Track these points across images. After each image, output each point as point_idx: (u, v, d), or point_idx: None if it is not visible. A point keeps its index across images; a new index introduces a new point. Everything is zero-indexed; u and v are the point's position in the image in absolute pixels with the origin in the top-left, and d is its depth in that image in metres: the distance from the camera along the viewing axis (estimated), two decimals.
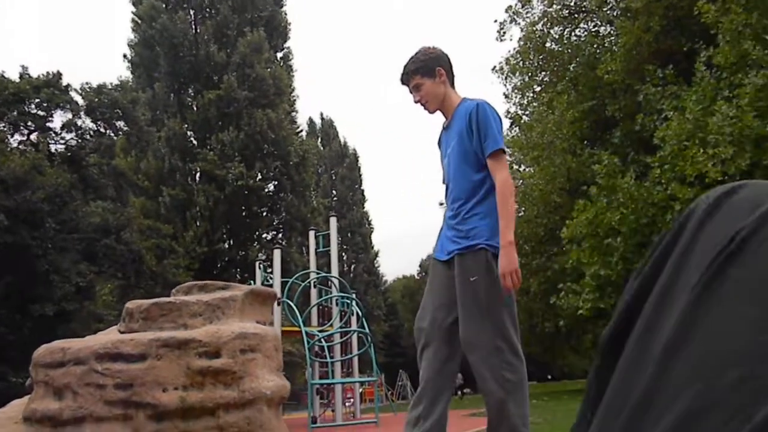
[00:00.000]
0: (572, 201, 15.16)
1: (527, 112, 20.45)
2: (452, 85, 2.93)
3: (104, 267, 19.49)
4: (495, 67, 21.00)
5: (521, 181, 17.93)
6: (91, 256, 18.60)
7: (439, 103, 2.89)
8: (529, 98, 20.86)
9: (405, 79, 2.92)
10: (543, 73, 20.27)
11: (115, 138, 22.39)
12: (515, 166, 19.60)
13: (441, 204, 19.42)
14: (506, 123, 24.37)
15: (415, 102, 2.92)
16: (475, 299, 2.61)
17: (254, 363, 2.08)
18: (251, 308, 2.36)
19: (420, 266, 46.60)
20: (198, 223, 25.13)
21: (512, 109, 21.44)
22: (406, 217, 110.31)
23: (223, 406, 1.96)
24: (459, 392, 27.36)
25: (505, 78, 20.91)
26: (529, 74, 20.34)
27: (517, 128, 20.82)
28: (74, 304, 17.30)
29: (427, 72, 2.86)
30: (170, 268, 21.83)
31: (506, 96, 21.42)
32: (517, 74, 20.54)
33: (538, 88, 20.56)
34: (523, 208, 17.84)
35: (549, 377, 45.83)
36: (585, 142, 17.47)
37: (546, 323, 17.42)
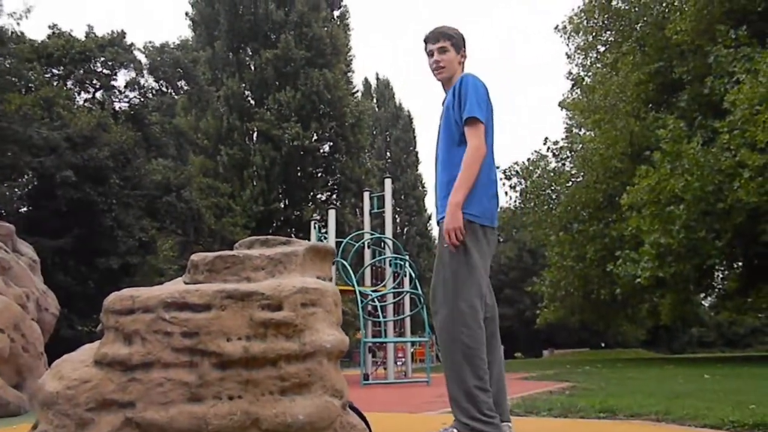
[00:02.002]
0: (634, 167, 14.74)
1: (590, 74, 19.82)
2: (463, 68, 3.08)
3: (165, 223, 20.08)
4: (558, 26, 20.38)
5: (581, 145, 17.49)
6: (153, 212, 19.17)
7: (450, 76, 3.02)
8: (593, 59, 20.20)
9: (435, 37, 3.03)
10: (608, 32, 19.53)
11: (176, 97, 22.82)
12: (575, 130, 19.13)
13: (497, 167, 19.17)
14: (567, 84, 23.75)
15: (432, 62, 3.04)
16: (446, 264, 2.77)
17: (315, 317, 2.10)
18: (312, 264, 2.38)
19: None
20: (255, 183, 25.52)
21: (574, 71, 20.85)
22: None
23: (285, 357, 1.99)
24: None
25: (568, 38, 20.29)
26: (593, 34, 19.65)
27: (578, 90, 20.26)
28: (137, 258, 17.91)
29: (456, 44, 3.02)
30: (228, 226, 22.33)
31: (568, 56, 20.80)
32: (581, 34, 19.88)
33: (602, 49, 19.86)
34: (582, 174, 17.48)
35: (602, 345, 45.33)
36: (650, 105, 16.85)
37: (601, 290, 17.13)
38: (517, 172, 19.20)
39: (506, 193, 19.46)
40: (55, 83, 19.82)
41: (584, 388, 6.90)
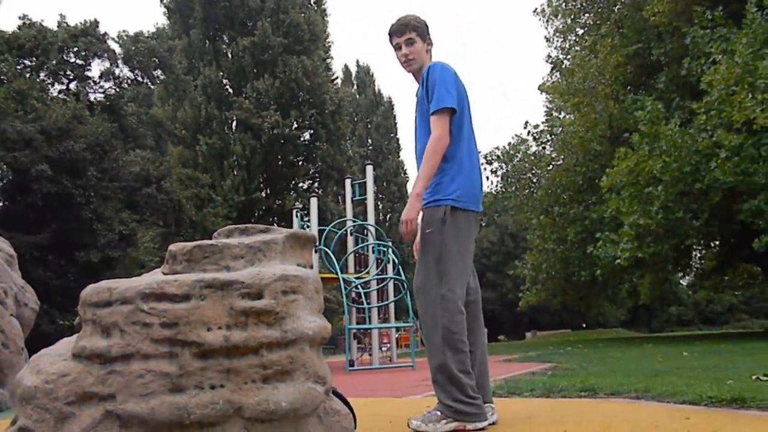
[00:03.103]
0: (613, 149, 14.85)
1: (568, 57, 19.88)
2: (431, 56, 3.09)
3: (145, 215, 19.92)
4: (536, 9, 20.40)
5: (561, 128, 17.57)
6: (133, 204, 19.00)
7: (418, 65, 3.02)
8: (571, 42, 20.26)
9: (401, 30, 3.02)
10: (586, 15, 19.59)
11: (152, 87, 22.54)
12: (555, 113, 19.21)
13: (478, 152, 19.20)
14: (546, 68, 23.79)
15: (401, 55, 3.04)
16: (428, 250, 2.80)
17: (296, 304, 2.10)
18: (292, 251, 2.37)
19: None
20: (235, 172, 25.37)
21: (553, 54, 20.90)
22: None
23: (266, 345, 1.98)
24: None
25: (547, 21, 20.32)
26: (572, 16, 19.69)
27: (557, 73, 20.31)
28: (117, 251, 17.77)
29: (422, 33, 3.02)
30: (209, 216, 22.21)
31: (547, 39, 20.85)
32: (560, 17, 19.92)
33: (581, 31, 19.92)
34: (562, 157, 17.58)
35: (583, 326, 45.85)
36: (628, 87, 16.96)
37: (582, 272, 17.30)
38: (498, 156, 19.27)
39: (488, 177, 19.58)
40: (27, 75, 19.48)
41: (566, 368, 6.98)
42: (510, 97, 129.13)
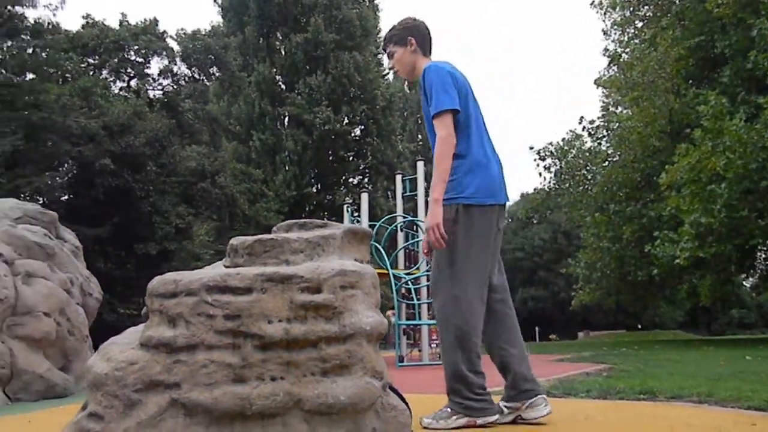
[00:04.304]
0: (673, 145, 14.42)
1: (627, 50, 19.37)
2: (426, 53, 3.06)
3: (201, 209, 20.38)
4: (594, 1, 19.94)
5: (618, 123, 17.14)
6: (189, 198, 19.47)
7: (409, 71, 3.05)
8: (630, 35, 19.73)
9: (383, 47, 3.11)
10: (646, 7, 19.05)
11: (208, 83, 23.02)
12: (611, 108, 18.76)
13: (531, 148, 18.95)
14: (604, 61, 23.26)
15: (389, 68, 3.28)
16: (441, 249, 2.78)
17: (354, 299, 2.11)
18: (349, 246, 2.39)
19: (506, 212, 46.07)
20: (287, 168, 25.69)
21: (611, 47, 20.40)
22: None
23: (325, 339, 2.01)
24: None
25: (604, 13, 19.86)
26: (631, 9, 19.19)
27: (615, 67, 19.82)
28: (174, 243, 18.24)
29: (399, 41, 3.03)
30: (261, 211, 22.56)
31: (605, 33, 20.39)
32: (618, 9, 19.44)
33: (640, 24, 19.38)
34: (618, 153, 17.16)
35: (639, 327, 44.78)
36: (690, 81, 16.43)
37: (638, 272, 16.86)
38: (551, 152, 18.94)
39: (540, 173, 19.27)
40: (91, 73, 20.17)
41: (622, 369, 6.83)
42: (564, 92, 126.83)
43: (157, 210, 17.72)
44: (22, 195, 14.86)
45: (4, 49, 15.90)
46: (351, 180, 28.62)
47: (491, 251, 2.87)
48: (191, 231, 20.08)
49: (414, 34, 3.03)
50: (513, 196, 46.30)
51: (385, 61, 3.15)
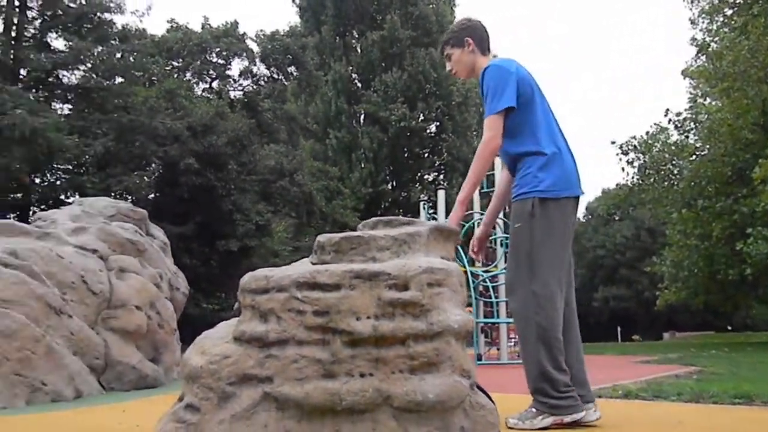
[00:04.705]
0: (767, 137, 13.62)
1: (716, 39, 18.45)
2: (484, 52, 3.05)
3: (279, 207, 20.81)
4: None
5: (707, 115, 16.35)
6: (268, 196, 19.91)
7: (469, 71, 3.05)
8: (719, 23, 18.76)
9: (441, 50, 3.12)
10: None
11: (286, 83, 23.48)
12: (699, 99, 17.91)
13: (613, 142, 18.36)
14: (691, 51, 22.26)
15: (447, 71, 3.16)
16: (517, 245, 2.77)
17: (441, 297, 2.10)
18: (435, 244, 2.37)
19: (586, 209, 44.73)
20: (363, 165, 25.90)
21: (698, 36, 19.48)
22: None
23: (413, 336, 2.00)
24: None
25: (692, 2, 18.98)
26: None
27: (703, 57, 18.91)
28: (254, 240, 18.69)
29: (457, 42, 3.04)
30: (338, 208, 22.84)
31: (692, 22, 19.49)
32: None
33: (730, 12, 18.39)
34: (707, 146, 16.37)
35: (729, 328, 42.64)
36: None
37: (729, 270, 16.04)
38: (634, 146, 18.27)
39: (623, 169, 18.57)
40: (175, 75, 20.95)
41: (713, 372, 6.53)
42: (648, 84, 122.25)
43: (237, 208, 18.22)
44: (112, 194, 15.61)
45: (95, 54, 16.71)
46: (426, 177, 28.57)
47: (569, 245, 2.84)
48: (270, 228, 20.53)
49: (471, 35, 3.03)
50: (593, 192, 44.98)
51: (448, 65, 3.13)
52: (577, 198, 2.88)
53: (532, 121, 2.83)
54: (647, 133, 18.42)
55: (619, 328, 34.95)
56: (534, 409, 2.70)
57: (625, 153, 18.46)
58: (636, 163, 18.48)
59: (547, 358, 2.66)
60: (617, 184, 21.56)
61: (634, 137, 18.46)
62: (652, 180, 18.22)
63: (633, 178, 18.82)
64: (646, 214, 22.11)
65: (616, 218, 39.76)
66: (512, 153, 2.90)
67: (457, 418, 2.06)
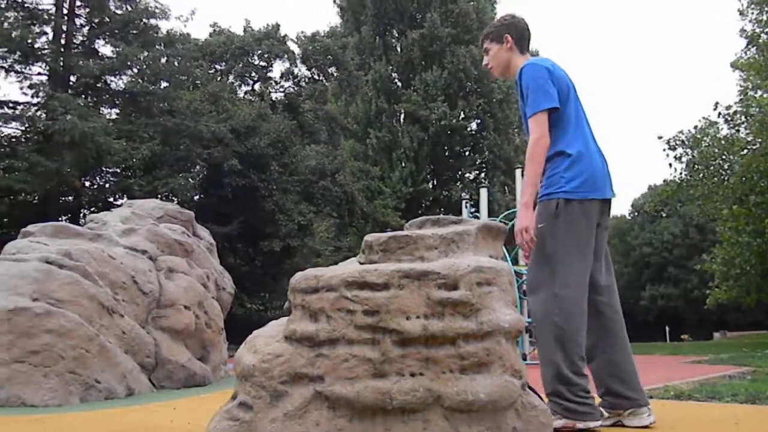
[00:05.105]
0: None
1: (766, 30, 17.85)
2: (523, 51, 3.00)
3: (321, 207, 20.94)
4: None
5: (758, 108, 15.82)
6: (309, 196, 20.06)
7: (504, 68, 3.02)
8: None
9: (480, 44, 3.11)
10: None
11: (326, 84, 23.62)
12: (750, 92, 17.34)
13: (660, 137, 17.94)
14: (741, 43, 21.56)
15: (484, 65, 3.10)
16: (540, 245, 2.70)
17: (491, 296, 2.08)
18: (484, 243, 2.35)
19: (632, 206, 43.84)
20: (403, 164, 25.88)
21: (748, 27, 18.87)
22: (617, 154, 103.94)
23: (463, 336, 1.99)
24: None
25: None
26: None
27: (753, 48, 18.32)
28: (297, 240, 18.85)
29: (496, 38, 3.01)
30: (379, 208, 22.87)
31: (741, 13, 18.88)
32: None
33: None
34: (759, 140, 15.86)
35: None
36: None
37: None
38: (682, 141, 17.79)
39: (670, 164, 18.11)
40: (218, 78, 21.28)
41: (767, 372, 6.33)
42: (696, 77, 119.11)
43: (280, 208, 18.41)
44: (159, 195, 15.94)
45: (141, 59, 17.09)
46: (467, 175, 28.38)
47: (592, 248, 2.76)
48: (312, 228, 20.69)
49: (511, 32, 2.99)
50: (639, 188, 44.03)
51: (485, 59, 3.10)
52: (606, 201, 2.83)
53: (565, 121, 2.79)
54: (696, 127, 17.92)
55: (667, 328, 34.13)
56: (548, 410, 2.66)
57: (673, 148, 18.01)
58: (684, 159, 18.01)
59: (564, 360, 2.61)
60: (664, 180, 21.06)
61: (682, 132, 17.98)
62: (701, 175, 17.73)
63: (681, 173, 18.35)
64: (694, 210, 21.45)
65: (663, 215, 38.81)
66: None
67: (509, 418, 2.04)
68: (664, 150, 18.03)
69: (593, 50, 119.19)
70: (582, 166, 2.74)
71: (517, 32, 3.00)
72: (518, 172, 13.36)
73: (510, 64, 2.98)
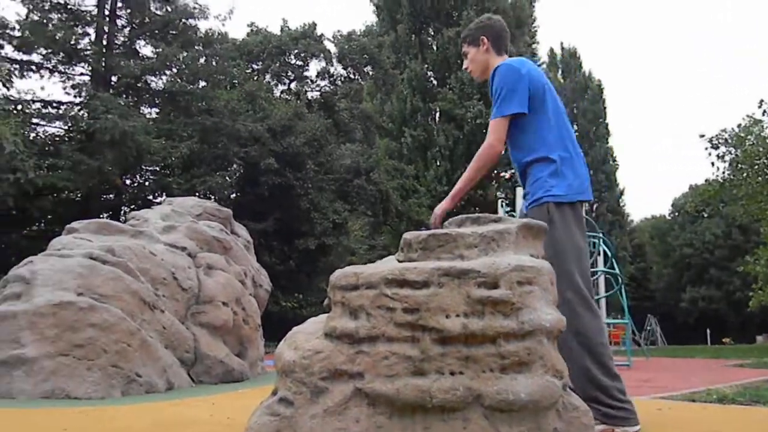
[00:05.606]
0: None
1: None
2: (500, 52, 2.99)
3: (356, 205, 21.02)
4: None
5: None
6: (344, 195, 20.15)
7: (482, 71, 3.00)
8: None
9: (460, 47, 3.14)
10: None
11: (362, 82, 23.68)
12: None
13: (701, 136, 17.55)
14: None
15: (464, 68, 3.12)
16: (547, 252, 2.60)
17: (532, 295, 2.06)
18: (525, 241, 2.33)
19: (672, 205, 42.95)
20: (438, 163, 25.78)
21: None
22: (657, 153, 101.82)
23: (503, 335, 1.97)
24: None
25: None
26: None
27: None
28: (332, 238, 18.96)
29: (473, 41, 3.02)
30: (414, 206, 22.83)
31: None
32: None
33: None
34: None
35: None
36: None
37: None
38: (725, 140, 17.37)
39: (713, 163, 17.71)
40: (255, 78, 21.51)
41: None
42: (740, 74, 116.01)
43: (315, 206, 18.52)
44: (197, 193, 16.19)
45: (180, 59, 17.37)
46: (503, 174, 28.11)
47: (587, 249, 2.79)
48: (347, 226, 20.77)
49: (487, 33, 2.99)
50: (680, 187, 43.17)
51: (464, 62, 3.12)
52: (585, 203, 2.88)
53: (543, 125, 2.77)
54: (739, 125, 17.48)
55: (708, 331, 33.38)
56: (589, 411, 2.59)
57: (716, 147, 17.60)
58: (727, 158, 17.58)
59: (594, 363, 2.56)
60: (706, 180, 20.57)
61: (725, 130, 17.56)
62: (745, 175, 17.28)
63: (724, 173, 17.92)
64: (737, 210, 20.88)
65: (705, 215, 37.92)
66: (522, 159, 2.84)
67: (551, 419, 2.01)
68: (706, 149, 17.64)
69: (635, 46, 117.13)
70: (566, 170, 2.74)
71: (494, 34, 3.00)
72: None
73: (488, 65, 2.97)
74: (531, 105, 2.76)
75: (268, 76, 22.46)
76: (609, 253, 10.75)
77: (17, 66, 15.72)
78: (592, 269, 11.34)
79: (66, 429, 2.91)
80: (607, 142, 38.66)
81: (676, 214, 41.96)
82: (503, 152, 2.90)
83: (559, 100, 2.92)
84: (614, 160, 38.55)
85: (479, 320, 2.00)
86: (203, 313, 5.82)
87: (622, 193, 38.15)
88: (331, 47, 22.20)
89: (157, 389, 4.82)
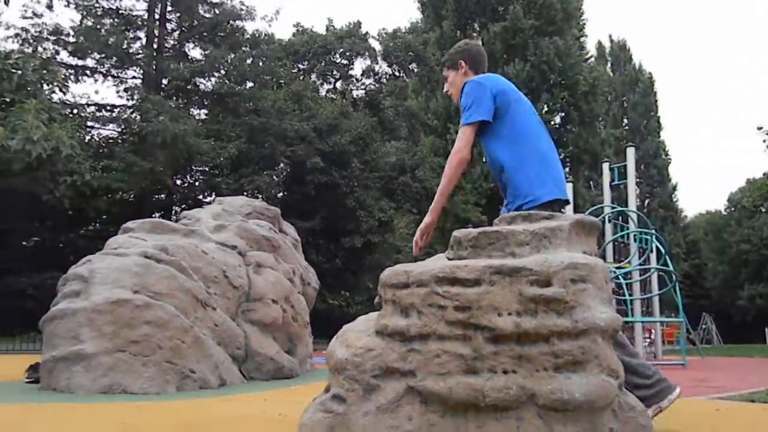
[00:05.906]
0: None
1: None
2: (478, 73, 3.08)
3: (401, 203, 21.02)
4: None
5: None
6: (390, 192, 20.18)
7: (460, 92, 3.05)
8: None
9: (442, 72, 3.24)
10: None
11: (407, 80, 23.66)
12: None
13: (759, 128, 16.96)
14: None
15: (444, 92, 3.26)
16: None
17: (585, 293, 2.02)
18: (577, 238, 2.29)
19: (728, 200, 41.60)
20: (484, 160, 25.55)
21: None
22: (713, 146, 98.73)
23: (557, 333, 1.94)
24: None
25: None
26: None
27: None
28: (377, 236, 19.01)
29: (452, 65, 3.16)
30: (459, 203, 22.67)
31: None
32: None
33: None
34: None
35: None
36: None
37: None
38: None
39: None
40: (301, 77, 21.72)
41: None
42: None
43: (361, 204, 18.60)
44: (245, 193, 16.45)
45: (228, 61, 17.67)
46: None
47: None
48: (392, 224, 20.79)
49: (465, 58, 3.12)
50: (737, 182, 41.88)
51: (445, 85, 3.24)
52: (567, 202, 2.90)
53: (514, 132, 2.87)
54: None
55: (766, 329, 32.23)
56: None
57: None
58: None
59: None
60: (764, 174, 19.90)
61: None
62: None
63: None
64: None
65: (763, 210, 36.61)
66: (498, 164, 2.92)
67: (606, 419, 1.97)
68: (764, 141, 17.06)
69: (688, 36, 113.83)
70: (543, 171, 2.81)
71: (471, 57, 3.13)
72: (605, 166, 12.96)
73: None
74: (499, 113, 2.88)
75: (313, 76, 22.66)
76: (662, 250, 10.47)
77: (72, 71, 16.26)
78: (645, 266, 11.09)
79: (124, 423, 2.99)
80: (659, 136, 37.70)
81: (732, 209, 40.58)
82: (470, 159, 3.02)
83: (528, 106, 3.01)
84: (666, 154, 37.57)
85: (532, 318, 1.97)
86: (253, 310, 5.90)
87: (675, 188, 37.10)
88: (376, 45, 22.29)
89: (210, 385, 4.91)
